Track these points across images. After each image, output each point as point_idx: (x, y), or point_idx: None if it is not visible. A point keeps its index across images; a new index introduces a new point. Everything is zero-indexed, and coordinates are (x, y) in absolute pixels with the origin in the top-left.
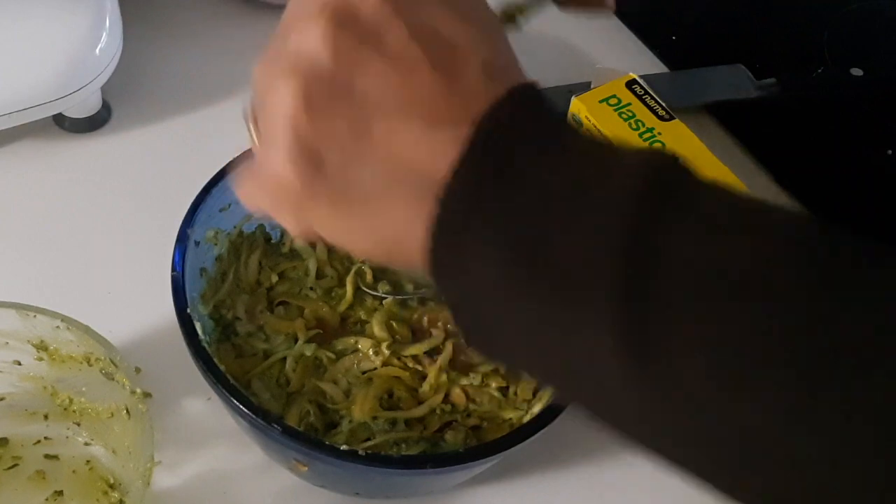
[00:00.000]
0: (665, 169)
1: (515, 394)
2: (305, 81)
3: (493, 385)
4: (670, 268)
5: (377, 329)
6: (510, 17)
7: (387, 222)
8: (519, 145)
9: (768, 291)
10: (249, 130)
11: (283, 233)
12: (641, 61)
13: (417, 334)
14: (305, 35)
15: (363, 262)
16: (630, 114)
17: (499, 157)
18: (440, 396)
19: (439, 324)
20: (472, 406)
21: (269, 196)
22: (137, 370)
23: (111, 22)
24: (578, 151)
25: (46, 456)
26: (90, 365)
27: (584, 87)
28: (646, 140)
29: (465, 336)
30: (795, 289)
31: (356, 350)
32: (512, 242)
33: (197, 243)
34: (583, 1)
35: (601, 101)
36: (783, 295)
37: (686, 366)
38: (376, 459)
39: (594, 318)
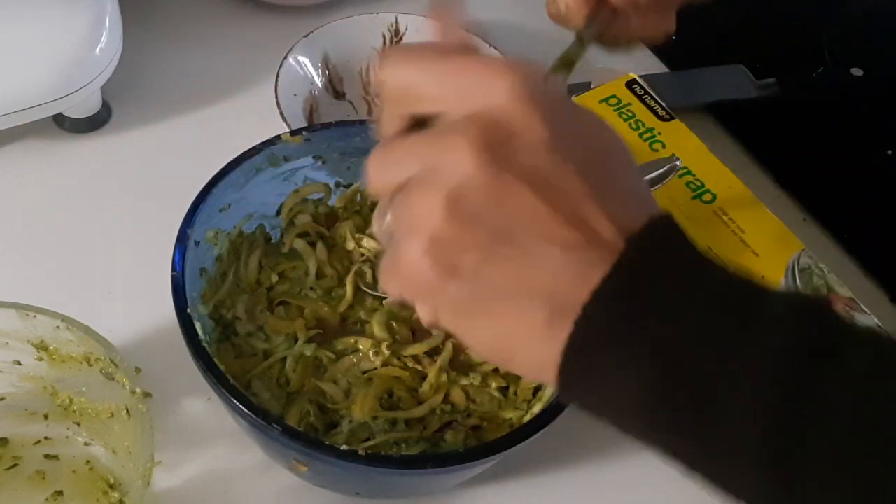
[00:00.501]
0: (812, 319)
1: (515, 394)
2: (456, 190)
3: (493, 385)
4: (820, 430)
5: (377, 329)
6: (568, 64)
7: (509, 333)
8: (665, 276)
9: None
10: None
11: (283, 233)
12: (641, 61)
13: (417, 334)
14: (459, 147)
15: (363, 263)
16: (630, 114)
17: (643, 286)
18: (440, 396)
19: None
20: (472, 406)
21: (407, 286)
22: (137, 370)
23: (111, 22)
24: (722, 290)
25: (46, 456)
26: (90, 365)
27: (584, 88)
28: (645, 140)
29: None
30: None
31: (356, 350)
32: (651, 371)
33: (197, 243)
34: (634, 37)
35: (601, 101)
36: None
37: None
38: (376, 459)
39: (740, 473)
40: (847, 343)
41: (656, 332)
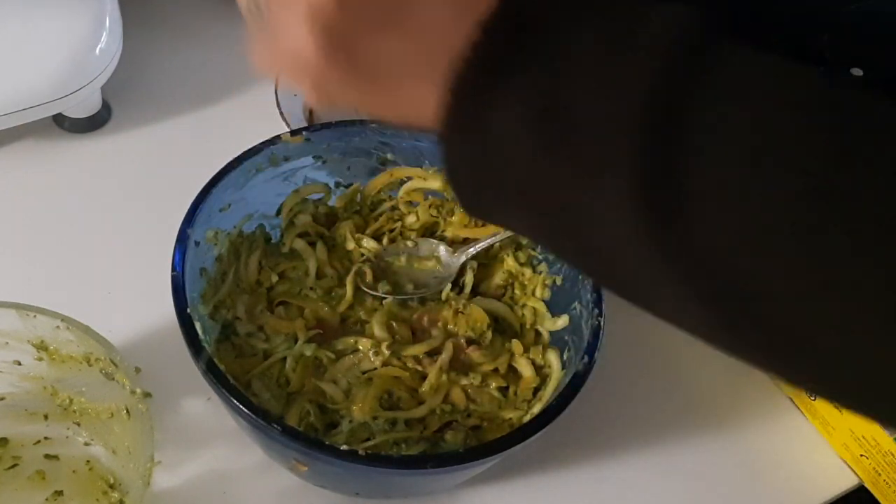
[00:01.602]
0: (692, 28)
1: (515, 394)
2: None
3: (493, 385)
4: (694, 122)
5: (377, 329)
6: None
7: (409, 97)
8: (543, 7)
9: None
10: None
11: (283, 233)
12: None
13: (417, 334)
14: None
15: (363, 262)
16: None
17: (521, 20)
18: (440, 396)
19: (439, 324)
20: (472, 406)
21: (287, 65)
22: (137, 370)
23: (111, 22)
24: (604, 9)
25: (46, 456)
26: (90, 365)
27: None
28: None
29: (467, 200)
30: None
31: (356, 350)
32: (535, 96)
33: (197, 243)
34: None
35: None
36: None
37: (708, 212)
38: (376, 459)
39: (615, 169)
40: (718, 51)
41: (535, 59)
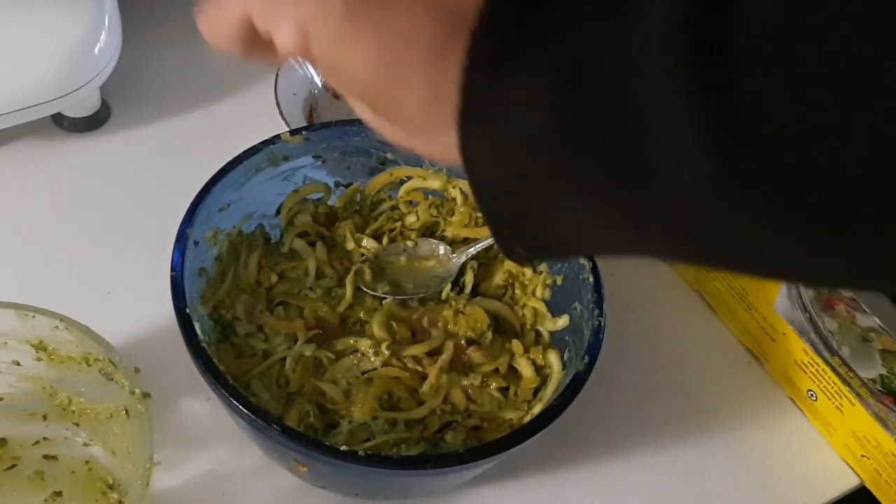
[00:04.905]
0: None
1: (516, 394)
2: None
3: (494, 385)
4: (745, 33)
5: (377, 329)
6: None
7: (397, 55)
8: None
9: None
10: None
11: (283, 233)
12: None
13: (417, 334)
14: None
15: (363, 262)
16: None
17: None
18: (440, 397)
19: (439, 324)
20: (472, 407)
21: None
22: (136, 370)
23: (110, 21)
24: None
25: (45, 456)
26: (89, 365)
27: None
28: None
29: (489, 206)
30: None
31: (356, 350)
32: (559, 44)
33: (196, 243)
34: None
35: None
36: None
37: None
38: (376, 460)
39: (667, 122)
40: None
41: (551, 35)
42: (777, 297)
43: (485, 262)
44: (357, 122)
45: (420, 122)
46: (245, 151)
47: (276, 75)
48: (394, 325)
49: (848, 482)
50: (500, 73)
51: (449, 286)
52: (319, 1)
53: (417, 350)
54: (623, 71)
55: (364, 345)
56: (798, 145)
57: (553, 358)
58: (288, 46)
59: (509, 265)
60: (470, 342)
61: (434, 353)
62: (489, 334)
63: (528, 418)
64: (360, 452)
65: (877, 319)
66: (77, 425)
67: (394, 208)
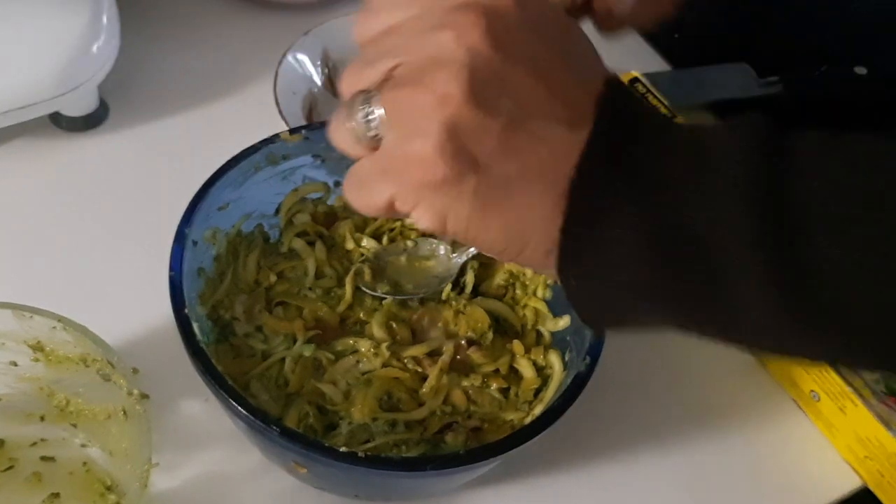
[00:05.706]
0: (766, 127)
1: (516, 395)
2: (472, 72)
3: (494, 386)
4: (800, 200)
5: (376, 330)
6: None
7: (523, 221)
8: (637, 126)
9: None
10: (356, 110)
11: (282, 232)
12: (644, 59)
13: (417, 335)
14: (464, 26)
15: (363, 262)
16: None
17: (622, 138)
18: (440, 398)
19: (439, 324)
20: (472, 408)
21: (408, 184)
22: (135, 371)
23: (108, 20)
24: (686, 128)
25: (43, 458)
26: (87, 366)
27: None
28: None
29: (581, 313)
30: None
31: (355, 351)
32: (649, 206)
33: (195, 243)
34: (627, 21)
35: None
36: None
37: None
38: (376, 461)
39: (738, 262)
40: (791, 138)
41: (640, 199)
42: None
43: (485, 262)
44: None
45: (537, 266)
46: (244, 150)
47: (276, 74)
48: (394, 325)
49: (850, 483)
50: (594, 236)
51: (449, 286)
52: (451, 190)
53: (417, 350)
54: (708, 241)
55: (364, 345)
56: (853, 302)
57: (554, 359)
58: (427, 228)
59: (510, 265)
60: (470, 343)
61: (434, 354)
62: (490, 335)
63: (529, 419)
64: (359, 454)
65: None
66: (75, 426)
67: None
